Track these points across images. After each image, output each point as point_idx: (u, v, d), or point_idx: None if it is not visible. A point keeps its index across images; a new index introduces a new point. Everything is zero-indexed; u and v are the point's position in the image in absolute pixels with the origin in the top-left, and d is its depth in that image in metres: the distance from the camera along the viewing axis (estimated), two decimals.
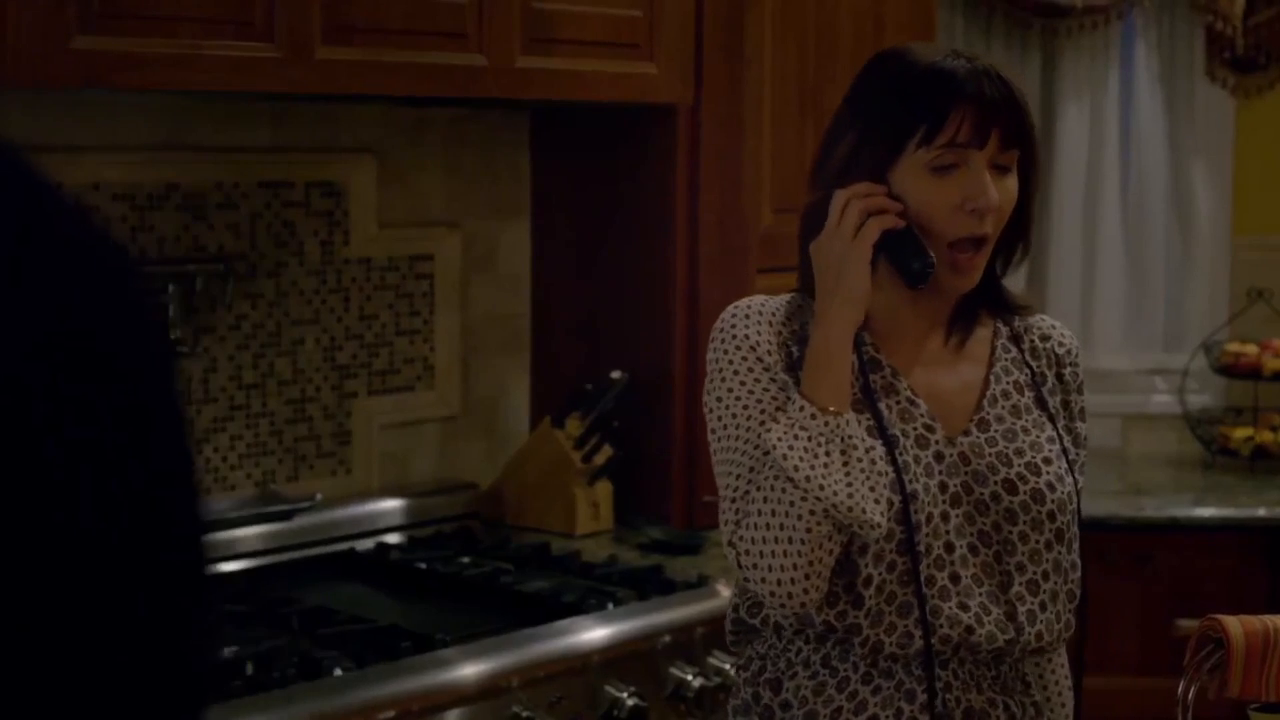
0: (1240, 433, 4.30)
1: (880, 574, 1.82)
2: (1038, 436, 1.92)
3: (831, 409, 1.80)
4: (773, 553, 1.78)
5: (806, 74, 3.43)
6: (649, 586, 2.85)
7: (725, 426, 1.88)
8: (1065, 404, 1.99)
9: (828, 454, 1.78)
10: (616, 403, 3.26)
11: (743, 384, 1.88)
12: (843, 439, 1.80)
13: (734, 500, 1.85)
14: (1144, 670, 3.77)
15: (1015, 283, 4.73)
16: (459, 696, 2.45)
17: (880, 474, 1.81)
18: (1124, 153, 4.56)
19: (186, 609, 0.89)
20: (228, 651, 2.44)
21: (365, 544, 3.12)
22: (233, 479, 3.04)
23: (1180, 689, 1.75)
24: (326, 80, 2.60)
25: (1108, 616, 3.80)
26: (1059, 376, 2.00)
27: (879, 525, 1.79)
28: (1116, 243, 4.55)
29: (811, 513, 1.77)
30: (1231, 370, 4.33)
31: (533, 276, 3.50)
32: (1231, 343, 4.39)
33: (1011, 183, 1.88)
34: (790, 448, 1.78)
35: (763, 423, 1.85)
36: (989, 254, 1.90)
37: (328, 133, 3.16)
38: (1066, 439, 1.96)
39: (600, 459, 3.27)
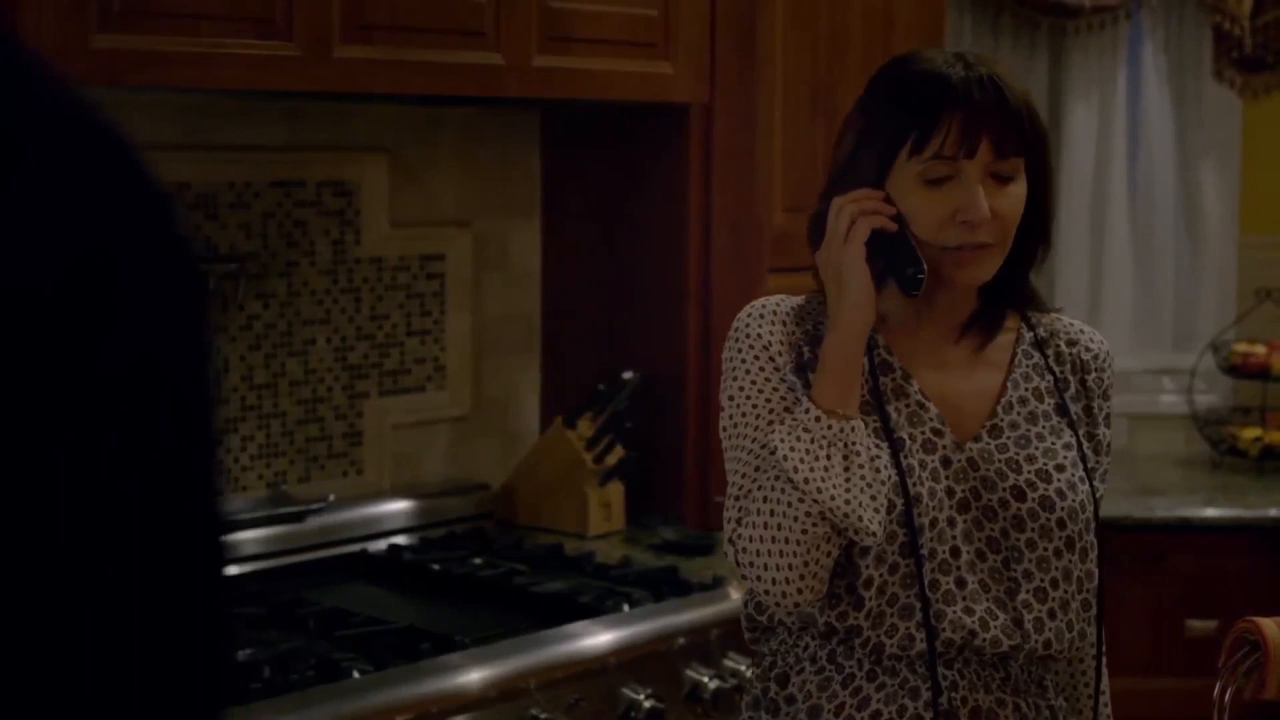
0: (1248, 433, 4.30)
1: (882, 576, 1.82)
2: (1053, 443, 1.90)
3: (839, 412, 1.80)
4: (769, 552, 1.79)
5: (818, 73, 3.42)
6: (664, 588, 2.84)
7: (735, 425, 1.89)
8: (1088, 410, 1.96)
9: (829, 457, 1.78)
10: (629, 403, 3.24)
11: (753, 383, 1.88)
12: (846, 444, 1.79)
13: (737, 499, 1.85)
14: (1155, 670, 3.77)
15: None
16: (477, 699, 2.44)
17: (883, 481, 1.80)
18: (1131, 152, 4.55)
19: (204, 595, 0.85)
20: (244, 654, 2.43)
21: (377, 545, 3.11)
22: (244, 480, 3.03)
23: (1216, 691, 1.74)
24: (345, 79, 2.59)
25: (1119, 617, 3.79)
26: (1082, 382, 1.97)
27: (875, 533, 1.78)
28: (1124, 242, 4.55)
29: (808, 514, 1.77)
30: (1239, 370, 4.33)
31: (544, 276, 3.49)
32: (1239, 342, 4.39)
33: (1015, 189, 1.85)
34: (792, 449, 1.79)
35: (770, 423, 1.85)
36: (1004, 252, 1.87)
37: (340, 131, 3.14)
38: (1086, 445, 1.93)
39: (612, 459, 3.26)
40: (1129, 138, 4.54)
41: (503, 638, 2.57)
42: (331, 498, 3.09)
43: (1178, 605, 3.79)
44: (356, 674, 2.39)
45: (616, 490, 3.28)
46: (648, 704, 2.60)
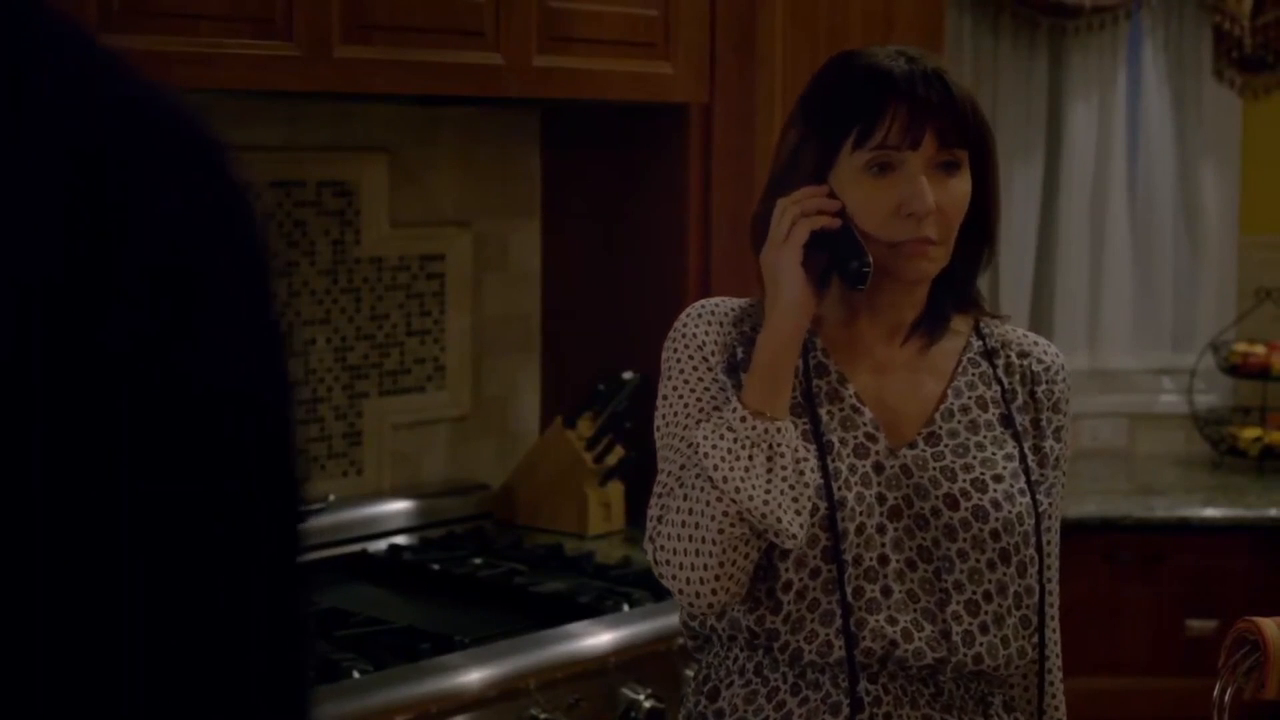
0: (1248, 433, 4.30)
1: (802, 580, 1.79)
2: (993, 453, 1.86)
3: (766, 414, 1.78)
4: (685, 550, 1.77)
5: None
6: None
7: (666, 424, 1.88)
8: (1036, 422, 1.92)
9: (751, 458, 1.76)
10: (629, 403, 3.24)
11: (685, 383, 1.88)
12: (770, 445, 1.77)
13: (660, 496, 1.84)
14: (1155, 670, 3.77)
15: (1022, 282, 4.74)
16: (477, 699, 2.44)
17: (807, 484, 1.77)
18: (1131, 152, 4.55)
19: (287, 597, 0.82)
20: None
21: (377, 545, 3.11)
22: None
23: (1216, 691, 1.73)
24: (345, 79, 2.59)
25: (1119, 617, 3.79)
26: (1032, 394, 1.93)
27: (795, 535, 1.75)
28: (1124, 243, 4.55)
29: (725, 514, 1.74)
30: (1239, 370, 4.34)
31: (544, 276, 3.49)
32: (1239, 342, 4.39)
33: (959, 185, 1.83)
34: (714, 447, 1.77)
35: (698, 422, 1.84)
36: (948, 249, 1.84)
37: (340, 131, 3.14)
38: (1032, 458, 1.89)
39: (612, 459, 3.26)
40: (1129, 138, 4.54)
41: (502, 638, 2.57)
42: (331, 498, 3.08)
43: (1178, 605, 3.79)
44: (356, 674, 2.39)
45: (616, 490, 3.29)
46: (648, 704, 2.60)
